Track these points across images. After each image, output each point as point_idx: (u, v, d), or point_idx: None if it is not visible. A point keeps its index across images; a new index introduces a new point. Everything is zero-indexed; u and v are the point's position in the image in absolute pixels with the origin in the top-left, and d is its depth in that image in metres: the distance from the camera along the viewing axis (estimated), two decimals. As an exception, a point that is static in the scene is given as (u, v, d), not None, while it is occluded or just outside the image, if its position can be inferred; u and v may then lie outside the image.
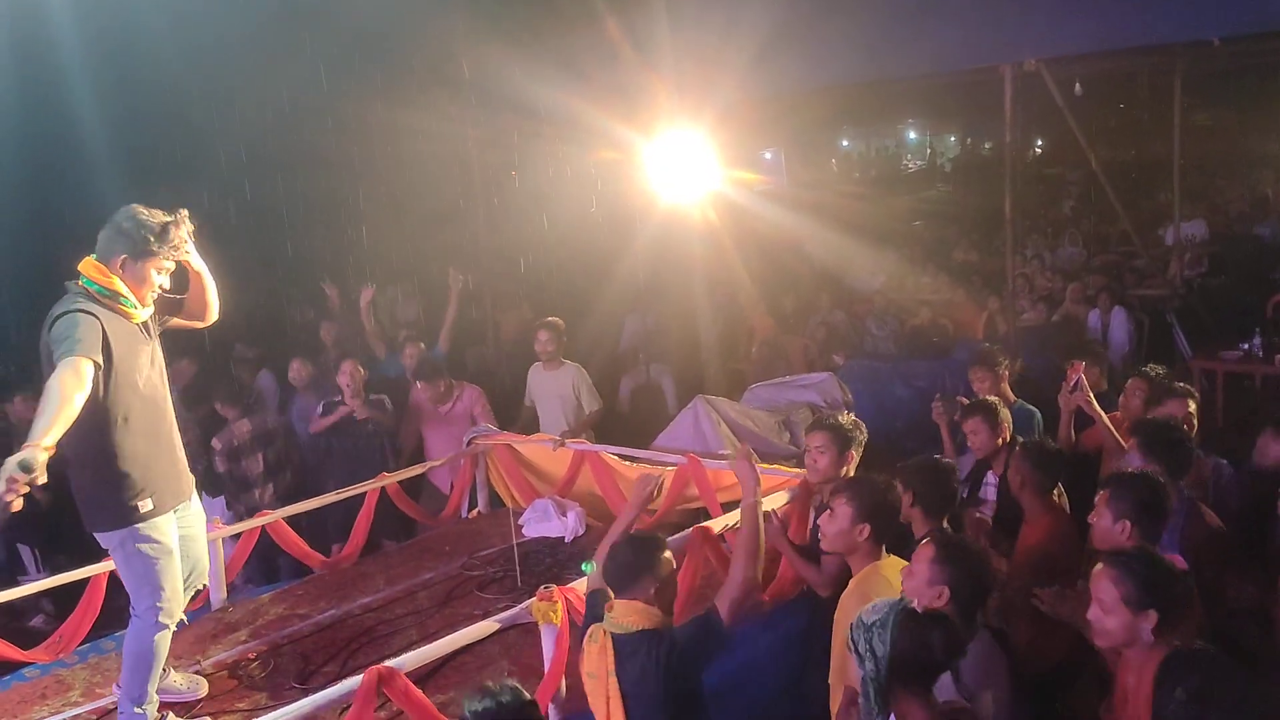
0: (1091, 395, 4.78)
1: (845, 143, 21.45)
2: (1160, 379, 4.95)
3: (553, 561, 4.71)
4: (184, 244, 3.50)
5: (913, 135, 24.10)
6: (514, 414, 6.75)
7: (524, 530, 4.95)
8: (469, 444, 5.60)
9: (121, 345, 3.34)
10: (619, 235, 9.14)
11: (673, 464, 4.81)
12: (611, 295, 9.28)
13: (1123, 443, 4.64)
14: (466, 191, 9.62)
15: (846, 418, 4.18)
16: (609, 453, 5.17)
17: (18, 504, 2.81)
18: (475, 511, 5.61)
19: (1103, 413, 4.75)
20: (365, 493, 5.06)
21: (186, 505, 3.69)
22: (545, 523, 4.94)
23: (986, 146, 23.30)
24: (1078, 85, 8.15)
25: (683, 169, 7.68)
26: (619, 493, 4.91)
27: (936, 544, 2.99)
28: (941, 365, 8.29)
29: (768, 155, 19.11)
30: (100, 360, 3.22)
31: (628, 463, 5.09)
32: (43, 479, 2.81)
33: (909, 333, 9.75)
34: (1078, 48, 7.06)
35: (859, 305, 10.53)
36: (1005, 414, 4.62)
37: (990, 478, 4.61)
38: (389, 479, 5.22)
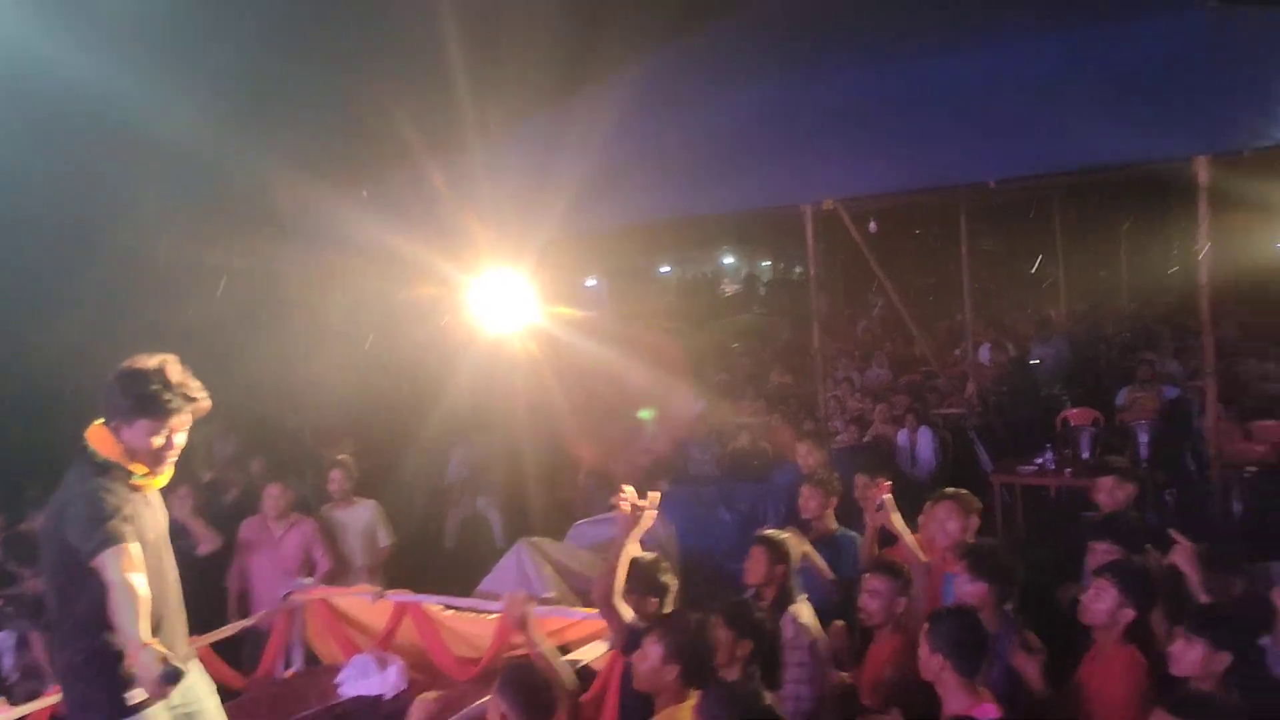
0: (895, 514, 4.99)
1: (665, 269, 22.17)
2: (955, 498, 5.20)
3: (373, 720, 4.55)
4: (182, 401, 3.27)
5: (730, 260, 25.14)
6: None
7: (341, 689, 4.77)
8: (285, 598, 5.39)
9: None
10: (442, 368, 9.13)
11: (496, 612, 4.75)
12: (436, 428, 9.22)
13: (923, 560, 4.88)
14: (285, 327, 9.46)
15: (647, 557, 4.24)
16: (431, 603, 5.07)
17: None
18: (291, 671, 5.37)
19: (908, 531, 4.98)
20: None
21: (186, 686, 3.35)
22: (364, 680, 4.77)
23: (797, 271, 24.48)
24: (872, 222, 8.73)
25: (504, 305, 7.78)
26: (442, 644, 4.81)
27: (659, 630, 3.36)
28: (762, 488, 8.53)
29: (591, 283, 19.53)
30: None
31: (450, 612, 5.01)
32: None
33: (730, 456, 10.00)
34: (869, 189, 7.59)
35: (682, 430, 10.74)
36: (793, 551, 4.73)
37: None
38: (199, 642, 4.94)
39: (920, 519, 5.36)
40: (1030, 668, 3.81)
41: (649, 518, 3.94)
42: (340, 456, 6.52)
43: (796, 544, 4.79)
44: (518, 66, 8.56)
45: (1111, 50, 6.18)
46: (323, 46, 8.26)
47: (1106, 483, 5.42)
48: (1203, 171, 5.96)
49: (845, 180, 7.37)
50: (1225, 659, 3.28)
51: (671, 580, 4.19)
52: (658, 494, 4.01)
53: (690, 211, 8.58)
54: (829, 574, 5.02)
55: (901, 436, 9.46)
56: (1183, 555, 4.02)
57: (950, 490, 5.13)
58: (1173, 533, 4.20)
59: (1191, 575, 3.94)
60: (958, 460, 9.62)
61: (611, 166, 7.77)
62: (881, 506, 4.97)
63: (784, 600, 4.50)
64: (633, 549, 3.93)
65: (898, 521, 4.97)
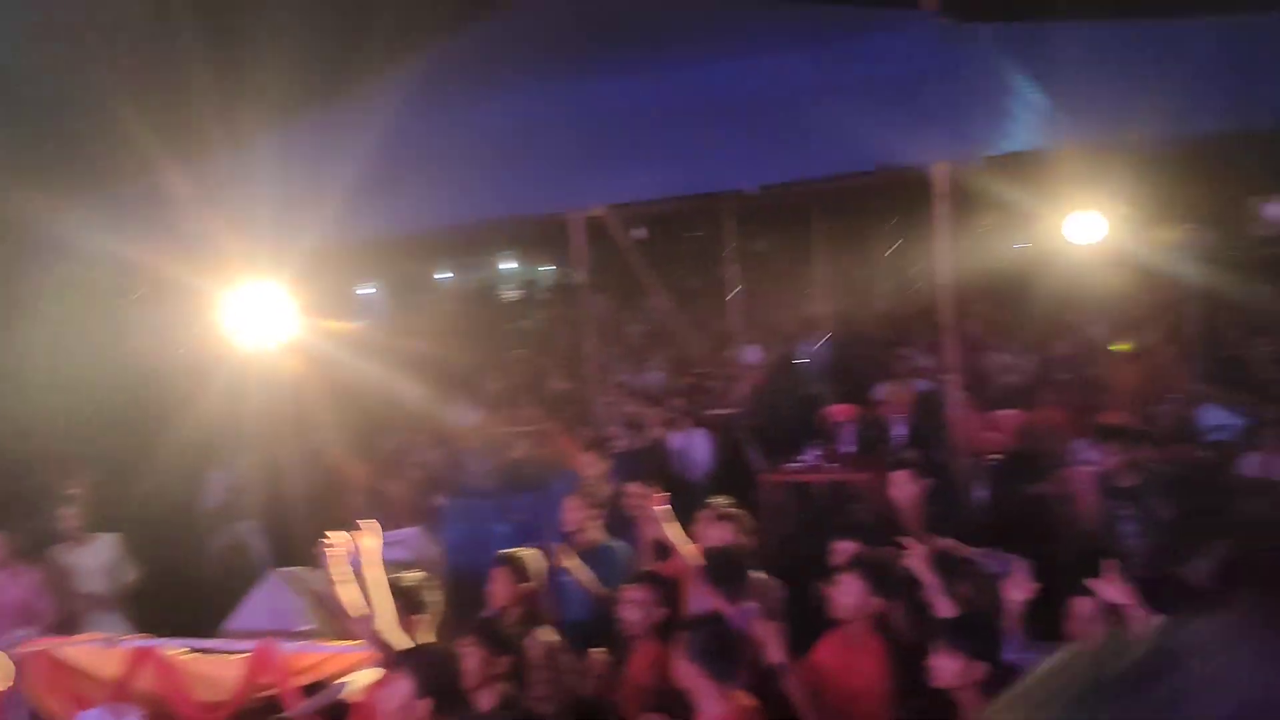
0: (671, 525, 4.98)
1: (445, 275, 21.71)
2: (717, 507, 5.25)
3: (105, 781, 4.16)
4: None
5: (511, 265, 24.89)
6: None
7: (69, 749, 4.34)
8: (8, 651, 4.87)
9: None
10: (194, 387, 8.58)
11: (244, 651, 4.46)
12: (189, 450, 8.65)
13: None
14: (8, 347, 8.66)
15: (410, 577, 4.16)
16: (172, 645, 4.70)
17: None
18: (11, 732, 4.85)
19: (684, 541, 4.98)
20: None
21: None
22: (95, 736, 4.36)
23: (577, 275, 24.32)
24: (635, 229, 8.80)
25: (262, 318, 7.37)
26: (183, 690, 4.46)
27: (402, 663, 3.32)
28: (540, 498, 8.44)
29: (367, 291, 18.92)
30: None
31: (194, 654, 4.65)
32: None
33: (507, 467, 9.86)
34: (636, 196, 7.64)
35: (459, 442, 10.52)
36: (536, 567, 4.66)
37: None
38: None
39: (693, 528, 5.38)
40: (768, 634, 3.87)
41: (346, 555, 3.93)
42: (71, 491, 5.99)
43: (539, 561, 4.74)
44: (272, 67, 8.15)
45: (858, 62, 6.44)
46: (47, 44, 7.60)
47: (900, 477, 5.56)
48: (941, 178, 6.27)
49: (613, 187, 7.39)
50: (982, 668, 3.43)
51: (436, 598, 4.12)
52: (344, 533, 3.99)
53: (458, 219, 8.40)
54: (595, 587, 4.98)
55: (676, 440, 9.58)
56: (916, 560, 4.18)
57: (726, 508, 5.17)
58: (905, 540, 4.37)
59: (926, 579, 4.11)
60: (730, 461, 9.85)
61: (378, 173, 7.50)
62: (654, 517, 4.95)
63: (531, 619, 4.45)
64: (347, 589, 3.84)
65: (673, 533, 4.97)
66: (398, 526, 7.65)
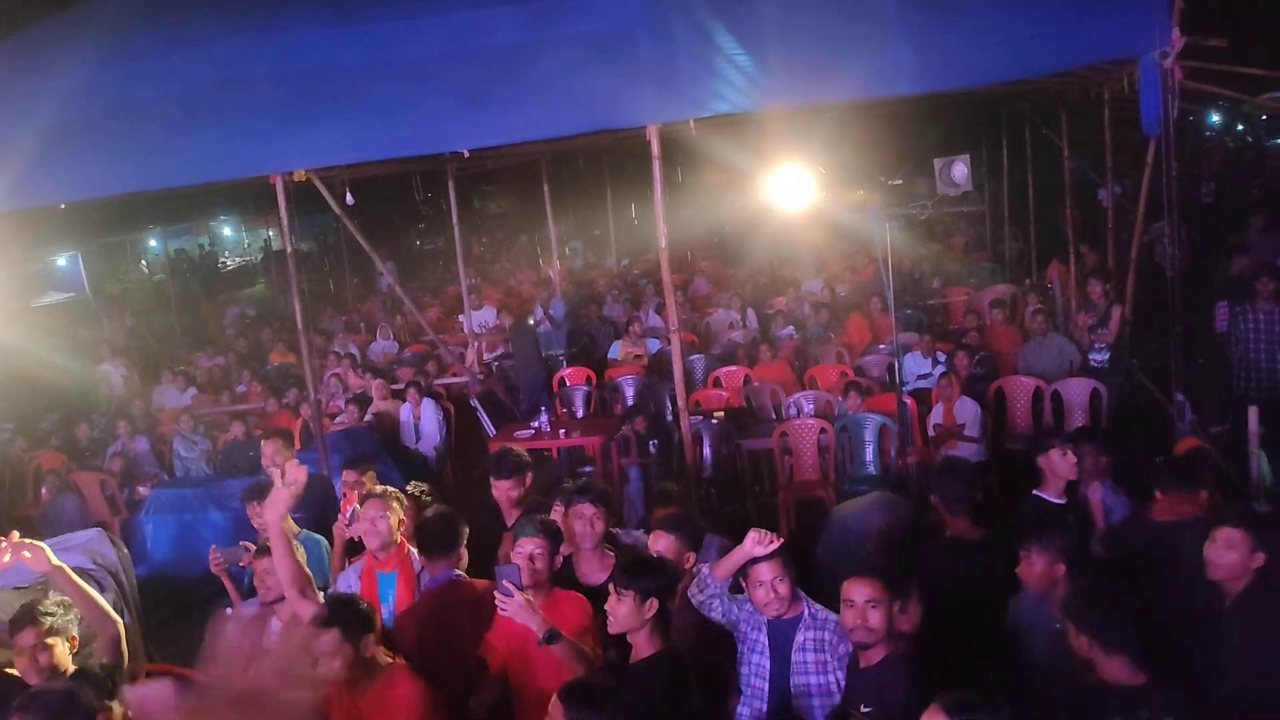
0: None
1: (154, 243, 19.95)
2: (421, 495, 4.92)
3: None
4: None
5: (228, 232, 23.23)
6: None
7: None
8: None
9: None
10: None
11: None
12: None
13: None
14: None
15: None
16: None
17: None
18: None
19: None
20: None
21: None
22: None
23: (305, 242, 23.18)
24: (349, 194, 8.33)
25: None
26: None
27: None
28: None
29: (62, 262, 17.22)
30: None
31: None
32: None
33: (223, 450, 9.23)
34: (339, 158, 7.23)
35: (166, 426, 9.75)
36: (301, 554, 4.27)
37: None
38: None
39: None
40: (521, 612, 3.70)
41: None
42: None
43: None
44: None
45: (564, 19, 6.28)
46: None
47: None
48: (654, 140, 6.24)
49: (314, 150, 6.92)
50: (654, 605, 3.38)
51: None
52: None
53: (148, 185, 7.66)
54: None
55: (404, 412, 9.25)
56: None
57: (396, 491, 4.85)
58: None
59: None
60: (463, 430, 9.61)
61: (58, 132, 6.73)
62: (353, 518, 4.53)
63: None
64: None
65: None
66: (85, 525, 6.97)
